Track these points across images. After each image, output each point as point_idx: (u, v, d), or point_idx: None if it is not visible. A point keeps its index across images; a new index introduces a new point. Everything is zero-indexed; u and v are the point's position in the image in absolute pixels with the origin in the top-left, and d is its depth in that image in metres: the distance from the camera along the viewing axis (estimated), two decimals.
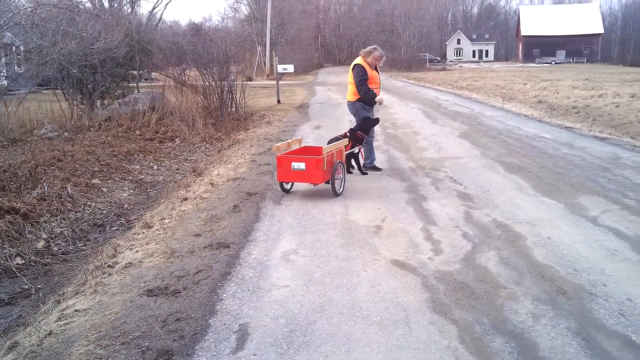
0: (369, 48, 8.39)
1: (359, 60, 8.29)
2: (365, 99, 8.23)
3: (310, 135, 12.58)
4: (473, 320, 3.63)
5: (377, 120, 8.36)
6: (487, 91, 24.48)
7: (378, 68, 8.47)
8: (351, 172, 8.20)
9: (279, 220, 5.96)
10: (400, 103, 20.28)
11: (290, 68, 22.60)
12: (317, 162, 6.69)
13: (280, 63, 24.31)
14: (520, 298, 3.93)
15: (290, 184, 7.29)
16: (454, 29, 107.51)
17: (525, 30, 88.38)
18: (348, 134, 8.08)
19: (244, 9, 61.92)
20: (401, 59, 63.32)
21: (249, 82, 27.61)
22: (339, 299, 3.98)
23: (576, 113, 15.07)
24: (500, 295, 3.98)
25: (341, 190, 7.11)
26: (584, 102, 17.07)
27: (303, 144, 7.86)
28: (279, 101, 21.27)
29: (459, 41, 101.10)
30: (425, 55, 74.15)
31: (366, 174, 8.25)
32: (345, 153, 7.64)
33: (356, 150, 8.16)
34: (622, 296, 3.93)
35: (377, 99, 8.27)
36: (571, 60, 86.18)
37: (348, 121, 14.90)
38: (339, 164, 7.10)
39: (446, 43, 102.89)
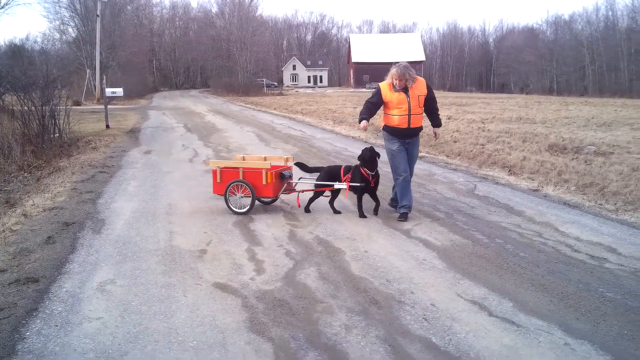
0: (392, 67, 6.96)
1: (383, 81, 7.07)
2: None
3: (139, 160, 12.15)
4: (289, 336, 3.68)
5: (370, 150, 7.03)
6: (319, 115, 25.41)
7: (410, 89, 6.79)
8: (309, 211, 7.28)
9: (97, 250, 5.64)
10: (235, 127, 20.34)
11: (119, 91, 21.66)
12: (213, 173, 7.28)
13: (111, 87, 23.28)
14: (335, 311, 4.07)
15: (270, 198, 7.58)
16: (290, 56, 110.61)
17: (355, 57, 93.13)
18: (352, 169, 7.18)
19: (72, 31, 58.59)
20: (239, 83, 63.78)
21: (76, 107, 26.16)
22: (156, 327, 3.84)
23: None
24: (316, 310, 4.10)
25: (243, 210, 7.08)
26: None
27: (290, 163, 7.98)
28: (107, 126, 20.30)
29: (294, 67, 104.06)
30: (263, 81, 75.43)
31: (340, 212, 7.23)
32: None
33: (341, 186, 7.13)
34: (427, 302, 4.22)
35: (361, 124, 6.99)
36: None
37: (181, 145, 14.67)
38: (242, 183, 7.05)
39: (282, 69, 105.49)
